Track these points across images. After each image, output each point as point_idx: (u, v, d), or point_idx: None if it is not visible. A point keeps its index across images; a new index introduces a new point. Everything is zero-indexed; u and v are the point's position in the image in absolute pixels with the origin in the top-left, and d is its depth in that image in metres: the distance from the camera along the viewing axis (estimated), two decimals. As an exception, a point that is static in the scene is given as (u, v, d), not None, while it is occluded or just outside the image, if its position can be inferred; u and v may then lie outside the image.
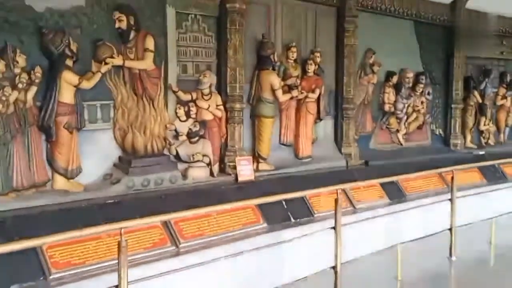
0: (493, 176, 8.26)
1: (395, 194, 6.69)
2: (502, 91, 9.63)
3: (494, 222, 6.65)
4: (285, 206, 5.46)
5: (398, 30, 7.91)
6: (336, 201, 4.54)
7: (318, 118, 6.72)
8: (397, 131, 7.95)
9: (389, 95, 7.74)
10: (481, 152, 8.80)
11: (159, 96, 4.99)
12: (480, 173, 8.11)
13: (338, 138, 7.07)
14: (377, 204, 6.36)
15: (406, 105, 7.93)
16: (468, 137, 9.06)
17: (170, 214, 3.91)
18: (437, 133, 8.70)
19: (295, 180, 6.09)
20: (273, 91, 5.97)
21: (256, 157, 6.06)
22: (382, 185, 6.54)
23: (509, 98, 9.65)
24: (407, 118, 8.03)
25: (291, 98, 6.27)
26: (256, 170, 6.02)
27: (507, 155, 8.87)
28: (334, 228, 4.52)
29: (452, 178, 5.87)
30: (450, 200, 5.90)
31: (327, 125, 7.03)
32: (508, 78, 9.67)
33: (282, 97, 6.07)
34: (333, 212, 4.58)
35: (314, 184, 5.62)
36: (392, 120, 7.84)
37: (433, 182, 7.31)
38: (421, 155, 8.02)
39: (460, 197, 6.47)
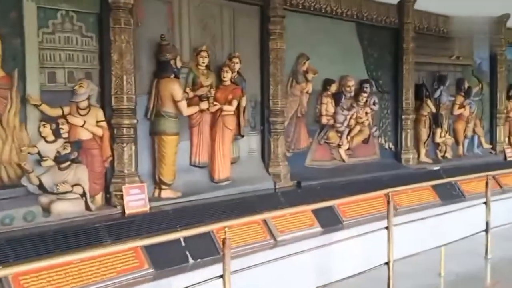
0: (449, 195, 7.41)
1: (330, 221, 5.74)
2: (460, 99, 8.82)
3: (445, 250, 5.77)
4: (183, 244, 4.46)
5: (337, 33, 7.03)
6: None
7: (239, 134, 5.75)
8: (339, 146, 7.04)
9: (327, 106, 6.82)
10: (436, 168, 7.95)
11: (10, 111, 3.96)
12: (434, 192, 7.25)
13: (265, 156, 6.11)
14: (305, 235, 5.40)
15: (348, 117, 7.02)
16: (422, 151, 8.20)
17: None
18: (387, 147, 7.81)
19: (206, 208, 5.09)
20: (175, 103, 4.99)
21: (158, 182, 5.06)
22: (314, 210, 5.59)
23: (467, 107, 8.85)
24: (350, 132, 7.12)
25: (201, 111, 5.29)
26: (158, 198, 5.03)
27: (467, 169, 8.07)
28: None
29: (388, 202, 4.93)
30: (387, 228, 4.96)
31: (252, 141, 6.08)
32: (466, 85, 8.88)
33: (187, 110, 5.09)
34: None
35: (230, 212, 4.72)
36: (332, 134, 6.92)
37: (377, 205, 6.39)
38: (368, 172, 7.13)
39: (405, 223, 5.58)
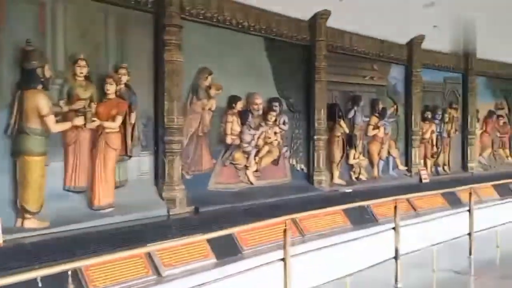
0: (361, 219, 7.10)
1: (227, 251, 5.19)
2: (374, 120, 8.66)
3: (352, 279, 5.39)
4: (40, 284, 3.73)
5: (245, 48, 6.63)
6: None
7: (126, 154, 5.12)
8: (246, 167, 6.57)
9: (233, 124, 6.35)
10: (348, 190, 7.66)
11: None
12: (345, 216, 6.91)
13: (159, 179, 5.51)
14: (196, 268, 4.81)
15: (256, 137, 6.58)
16: (336, 173, 7.91)
17: None
18: (299, 168, 7.44)
19: (80, 240, 4.40)
20: (41, 117, 4.30)
21: (21, 210, 4.32)
22: (210, 240, 5.03)
23: (381, 128, 8.70)
24: (258, 152, 6.67)
25: (76, 127, 4.63)
26: (21, 228, 4.28)
27: (381, 192, 7.87)
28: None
29: (285, 231, 4.47)
30: (283, 260, 4.48)
31: (143, 163, 5.47)
32: (381, 106, 8.75)
33: (55, 127, 4.41)
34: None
35: (108, 245, 4.08)
36: (238, 155, 6.44)
37: (281, 231, 5.91)
38: (277, 195, 6.71)
39: (307, 252, 5.15)
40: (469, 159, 10.55)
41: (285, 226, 4.43)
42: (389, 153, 8.97)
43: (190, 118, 5.86)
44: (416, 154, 9.34)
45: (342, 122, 7.89)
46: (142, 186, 5.39)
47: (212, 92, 6.05)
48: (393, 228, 6.02)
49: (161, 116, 5.45)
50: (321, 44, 7.41)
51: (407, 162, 9.34)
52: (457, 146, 10.54)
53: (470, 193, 7.49)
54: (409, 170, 9.28)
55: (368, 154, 8.62)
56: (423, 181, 9.21)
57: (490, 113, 11.28)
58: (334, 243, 6.03)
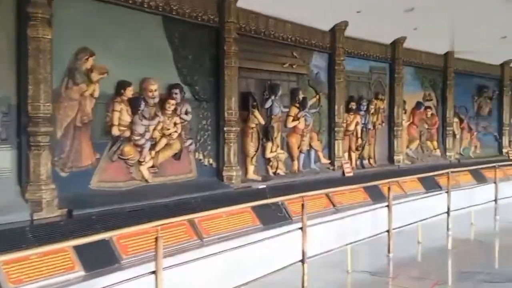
0: (273, 217, 6.52)
1: (102, 261, 4.44)
2: (294, 111, 8.11)
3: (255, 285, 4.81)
4: None
5: (139, 27, 5.85)
6: None
7: (-26, 148, 4.26)
8: (139, 163, 5.80)
9: (122, 114, 5.56)
10: (262, 186, 7.06)
11: None
12: (254, 214, 6.31)
13: (23, 177, 4.66)
14: (57, 282, 4.04)
15: (151, 128, 5.83)
16: (251, 168, 7.29)
17: None
18: (206, 163, 6.75)
19: None
20: None
21: None
22: (78, 247, 4.26)
23: (302, 120, 8.16)
24: (154, 146, 5.93)
25: None
26: None
27: (301, 186, 7.33)
28: None
29: (157, 239, 3.75)
30: (154, 273, 3.77)
31: (2, 158, 4.59)
32: (301, 96, 8.20)
33: None
34: None
35: None
36: (128, 149, 5.65)
37: (173, 235, 5.23)
38: (179, 193, 6.01)
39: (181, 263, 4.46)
40: (395, 151, 10.23)
41: (157, 233, 3.72)
42: (310, 146, 8.45)
43: (65, 106, 5.04)
44: (340, 146, 8.88)
45: (256, 113, 7.28)
46: (1, 186, 4.52)
47: (94, 76, 5.25)
48: (300, 228, 5.47)
49: (24, 102, 4.60)
50: (230, 26, 6.73)
51: (330, 155, 8.86)
52: (383, 138, 10.20)
53: (389, 188, 7.07)
54: (332, 164, 8.82)
55: (287, 147, 8.06)
56: (347, 174, 8.78)
57: (418, 104, 11.03)
58: (236, 246, 5.41)
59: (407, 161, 10.62)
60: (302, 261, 5.36)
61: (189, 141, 6.40)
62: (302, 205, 5.45)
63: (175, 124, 6.09)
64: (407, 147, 10.82)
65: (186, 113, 6.28)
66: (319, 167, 8.61)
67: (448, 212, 8.44)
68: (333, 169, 8.75)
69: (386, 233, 6.94)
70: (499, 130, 13.26)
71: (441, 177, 10.08)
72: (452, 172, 9.02)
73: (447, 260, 6.95)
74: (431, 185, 9.70)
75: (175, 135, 6.08)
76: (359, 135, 9.39)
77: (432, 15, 9.29)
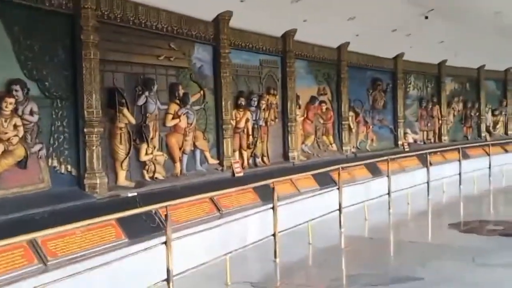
0: (144, 230, 5.76)
1: None
2: (174, 108, 7.40)
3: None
4: None
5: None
6: None
7: None
8: (-33, 175, 4.79)
9: None
10: (132, 194, 6.28)
11: None
12: (119, 228, 5.51)
13: None
14: None
15: (-21, 132, 4.83)
16: (121, 173, 6.48)
17: None
18: (63, 171, 5.82)
19: None
20: None
21: None
22: None
23: (183, 117, 7.46)
24: (-12, 153, 4.94)
25: None
26: None
27: (183, 191, 6.63)
28: None
29: None
30: None
31: None
32: (182, 91, 7.49)
33: None
34: None
35: None
36: (-51, 159, 4.62)
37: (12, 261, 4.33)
38: (26, 208, 5.06)
39: None
40: (290, 148, 9.85)
41: None
42: (195, 146, 7.78)
43: None
44: (229, 145, 8.29)
45: (125, 111, 6.46)
46: None
47: None
48: (164, 243, 4.78)
49: None
50: (88, 13, 5.87)
51: (219, 155, 8.25)
52: (277, 135, 9.78)
53: (273, 188, 6.59)
54: (221, 164, 8.21)
55: (167, 148, 7.32)
56: (237, 175, 8.21)
57: (312, 99, 10.75)
58: (92, 267, 4.60)
59: (303, 157, 10.30)
60: (167, 279, 4.67)
61: (38, 146, 5.45)
62: (166, 215, 4.76)
63: (15, 126, 5.12)
64: (303, 143, 10.51)
65: (31, 113, 5.34)
66: (206, 168, 7.96)
67: (340, 209, 8.16)
68: (222, 170, 8.15)
69: (272, 237, 6.46)
70: (394, 123, 13.43)
71: (336, 172, 9.85)
72: (344, 167, 8.79)
73: (337, 262, 6.59)
74: (326, 181, 9.43)
75: (15, 140, 5.10)
76: (250, 132, 8.87)
77: (322, 7, 9.01)
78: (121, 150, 6.40)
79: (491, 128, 17.26)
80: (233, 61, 8.53)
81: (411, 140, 13.98)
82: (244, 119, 8.71)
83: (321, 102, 10.96)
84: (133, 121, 6.55)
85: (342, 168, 8.56)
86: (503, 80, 17.73)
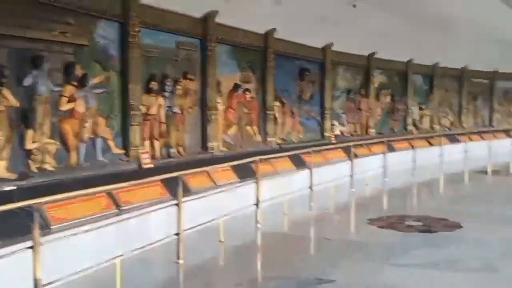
0: (19, 230, 4.92)
1: None
2: (70, 90, 6.54)
3: None
4: None
5: None
6: None
7: None
8: None
9: None
10: (10, 187, 5.42)
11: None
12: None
13: None
14: None
15: None
16: (0, 164, 5.58)
17: None
18: None
19: None
20: None
21: None
22: None
23: (81, 101, 6.63)
24: None
25: None
26: None
27: (79, 184, 5.83)
28: None
29: None
30: None
31: None
32: (80, 72, 6.65)
33: None
34: None
35: None
36: None
37: None
38: None
39: None
40: (209, 138, 9.22)
41: None
42: (96, 133, 6.96)
43: None
44: (137, 134, 7.54)
45: (5, 91, 5.57)
46: None
47: None
48: (31, 247, 4.02)
49: None
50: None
51: (125, 144, 7.48)
52: (195, 124, 9.11)
53: (179, 182, 5.95)
54: (127, 154, 7.45)
55: (60, 135, 6.47)
56: (145, 166, 7.48)
57: (236, 87, 10.16)
58: None
59: (224, 148, 9.71)
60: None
61: None
62: (42, 214, 4.01)
63: None
64: (224, 132, 9.91)
65: None
66: (109, 159, 7.17)
67: (257, 204, 7.67)
68: (128, 161, 7.39)
69: (176, 236, 5.84)
70: (321, 114, 13.13)
71: (259, 164, 9.36)
72: (263, 159, 8.31)
73: (246, 262, 6.08)
74: (246, 174, 8.89)
75: None
76: (163, 119, 8.14)
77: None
78: (0, 136, 5.50)
79: (417, 122, 17.46)
80: (145, 41, 7.77)
81: (338, 132, 13.76)
82: (156, 105, 7.97)
83: (245, 90, 10.40)
84: (15, 103, 5.66)
85: (262, 160, 8.07)
86: (431, 75, 17.98)
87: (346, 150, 12.07)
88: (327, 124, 13.25)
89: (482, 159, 16.64)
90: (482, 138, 18.79)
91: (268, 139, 11.03)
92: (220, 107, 9.63)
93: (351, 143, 12.20)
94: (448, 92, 18.92)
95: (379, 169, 12.67)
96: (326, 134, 13.18)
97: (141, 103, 7.70)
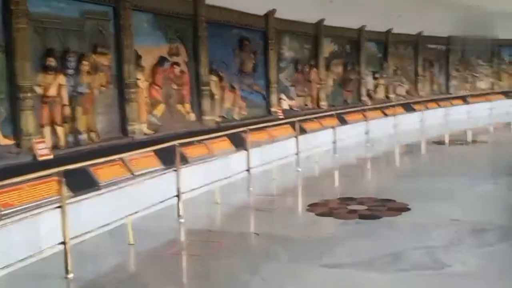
0: None
1: None
2: None
3: None
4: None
5: None
6: None
7: None
8: None
9: None
10: None
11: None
12: None
13: None
14: None
15: None
16: None
17: None
18: None
19: None
20: None
21: None
22: None
23: None
24: None
25: None
26: None
27: None
28: None
29: None
30: None
31: None
32: None
33: None
34: None
35: None
36: None
37: None
38: None
39: None
40: (129, 120, 8.09)
41: None
42: (-28, 121, 5.75)
43: None
44: (29, 120, 6.35)
45: None
46: None
47: None
48: None
49: None
50: None
51: (16, 133, 6.29)
52: (111, 104, 7.96)
53: (60, 180, 4.84)
54: (18, 145, 6.27)
55: None
56: (41, 158, 6.31)
57: (161, 60, 8.99)
58: None
59: (150, 130, 8.61)
60: None
61: None
62: None
63: None
64: (150, 113, 8.79)
65: None
66: (-6, 151, 5.99)
67: (178, 195, 6.66)
68: (19, 153, 6.22)
69: (62, 246, 4.77)
70: (266, 88, 12.12)
71: (186, 148, 8.32)
72: (182, 143, 7.27)
73: (149, 275, 5.06)
74: (172, 160, 7.83)
75: None
76: (65, 101, 6.95)
77: None
78: None
79: (372, 92, 16.70)
80: (38, 9, 6.53)
81: (286, 107, 12.81)
82: (55, 85, 6.76)
83: (174, 64, 9.25)
84: None
85: (180, 144, 7.03)
86: (384, 42, 17.17)
87: (294, 126, 11.11)
88: (274, 98, 12.26)
89: (439, 128, 16.08)
90: (439, 106, 18.24)
91: (204, 118, 9.96)
92: (142, 84, 8.47)
93: (297, 118, 11.25)
94: (403, 59, 18.20)
95: (330, 145, 11.80)
96: (273, 109, 12.20)
97: (37, 83, 6.50)
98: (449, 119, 17.48)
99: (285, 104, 12.82)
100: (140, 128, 8.31)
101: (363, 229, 5.85)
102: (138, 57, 8.36)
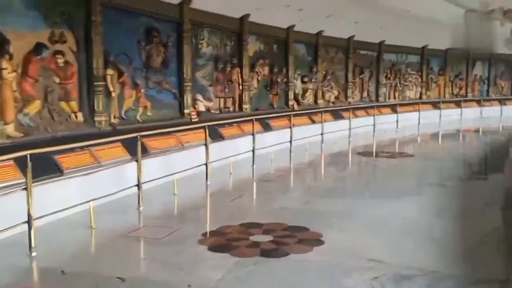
0: None
1: None
2: None
3: None
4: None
5: None
6: None
7: None
8: None
9: None
10: None
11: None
12: None
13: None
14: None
15: None
16: None
17: None
18: None
19: None
20: None
21: None
22: None
23: None
24: None
25: None
26: None
27: None
28: None
29: None
30: None
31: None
32: None
33: None
34: None
35: None
36: None
37: None
38: None
39: None
40: (-12, 119, 6.41)
41: None
42: None
43: None
44: None
45: None
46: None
47: None
48: None
49: None
50: None
51: None
52: (-40, 99, 6.23)
53: None
54: None
55: None
56: None
57: (38, 47, 7.32)
58: None
59: (18, 132, 6.95)
60: None
61: None
62: None
63: None
64: (20, 111, 7.12)
65: None
66: None
67: (29, 222, 5.10)
68: None
69: None
70: (179, 86, 10.68)
71: (60, 156, 6.78)
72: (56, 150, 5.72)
73: None
74: (44, 171, 6.26)
75: None
76: None
77: None
78: None
79: (299, 96, 15.70)
80: None
81: (203, 109, 11.43)
82: None
83: (56, 53, 7.62)
84: None
85: (53, 151, 5.48)
86: (315, 44, 16.23)
87: (211, 130, 9.70)
88: (188, 98, 10.84)
89: (366, 137, 15.36)
90: (368, 114, 17.59)
91: (96, 119, 8.38)
92: (9, 75, 6.79)
93: (212, 123, 9.93)
94: (333, 64, 17.40)
95: (249, 154, 10.54)
96: (186, 111, 10.78)
97: None
98: (377, 128, 16.86)
99: (202, 105, 11.44)
100: (3, 129, 6.63)
101: (262, 272, 4.60)
102: (5, 41, 6.68)
